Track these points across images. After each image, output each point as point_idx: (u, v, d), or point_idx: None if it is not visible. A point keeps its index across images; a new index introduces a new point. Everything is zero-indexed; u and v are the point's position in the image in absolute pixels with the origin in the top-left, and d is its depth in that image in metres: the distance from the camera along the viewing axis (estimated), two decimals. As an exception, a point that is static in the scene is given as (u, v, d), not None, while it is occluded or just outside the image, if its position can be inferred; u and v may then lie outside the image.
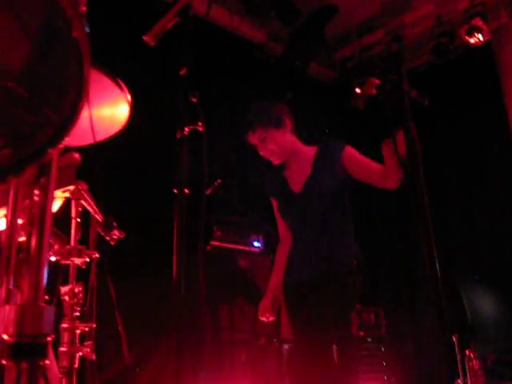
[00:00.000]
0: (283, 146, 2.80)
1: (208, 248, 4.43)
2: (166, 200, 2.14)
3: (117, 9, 4.74)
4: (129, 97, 1.91)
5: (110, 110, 1.90)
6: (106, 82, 1.80)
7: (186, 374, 1.48)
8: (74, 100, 0.93)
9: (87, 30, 0.87)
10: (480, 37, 5.89)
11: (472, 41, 5.92)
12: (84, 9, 0.89)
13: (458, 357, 2.82)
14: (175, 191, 1.96)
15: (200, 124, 2.12)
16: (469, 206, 6.30)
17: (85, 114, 2.10)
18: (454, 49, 6.25)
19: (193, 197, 2.58)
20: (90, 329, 2.21)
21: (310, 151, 2.85)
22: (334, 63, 6.80)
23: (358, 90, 5.60)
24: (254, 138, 2.81)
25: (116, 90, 1.84)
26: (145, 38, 1.92)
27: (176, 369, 1.47)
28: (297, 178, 2.83)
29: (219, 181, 3.32)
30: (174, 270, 1.87)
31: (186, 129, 2.08)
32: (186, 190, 1.99)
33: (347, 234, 2.74)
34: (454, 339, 4.18)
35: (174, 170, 1.98)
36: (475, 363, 3.68)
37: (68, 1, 0.75)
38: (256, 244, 4.91)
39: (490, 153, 6.20)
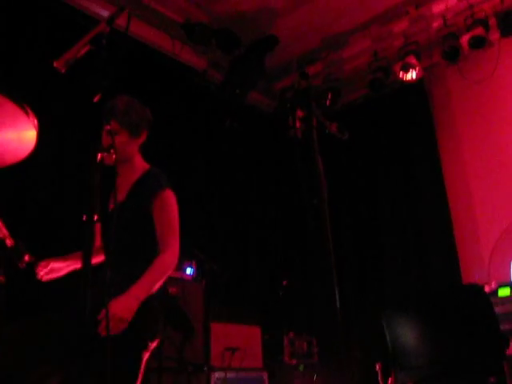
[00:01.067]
0: (121, 153, 2.54)
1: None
2: (79, 225, 2.11)
3: (29, 31, 4.58)
4: (35, 122, 1.89)
5: (16, 135, 1.87)
6: (11, 106, 1.78)
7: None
8: None
9: None
10: (413, 74, 6.15)
11: (406, 77, 6.17)
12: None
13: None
14: (84, 218, 1.95)
15: (112, 151, 2.13)
16: (390, 238, 6.47)
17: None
18: (390, 84, 6.49)
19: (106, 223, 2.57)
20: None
21: (141, 170, 2.65)
22: (274, 93, 6.92)
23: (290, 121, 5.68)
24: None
25: (22, 115, 1.82)
26: (55, 64, 1.90)
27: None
28: (121, 190, 2.62)
29: None
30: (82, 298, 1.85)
31: (99, 156, 2.07)
32: (96, 217, 1.98)
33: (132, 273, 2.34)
34: (378, 367, 4.26)
35: (85, 196, 1.96)
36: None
37: None
38: (188, 271, 4.89)
39: (422, 184, 6.41)
